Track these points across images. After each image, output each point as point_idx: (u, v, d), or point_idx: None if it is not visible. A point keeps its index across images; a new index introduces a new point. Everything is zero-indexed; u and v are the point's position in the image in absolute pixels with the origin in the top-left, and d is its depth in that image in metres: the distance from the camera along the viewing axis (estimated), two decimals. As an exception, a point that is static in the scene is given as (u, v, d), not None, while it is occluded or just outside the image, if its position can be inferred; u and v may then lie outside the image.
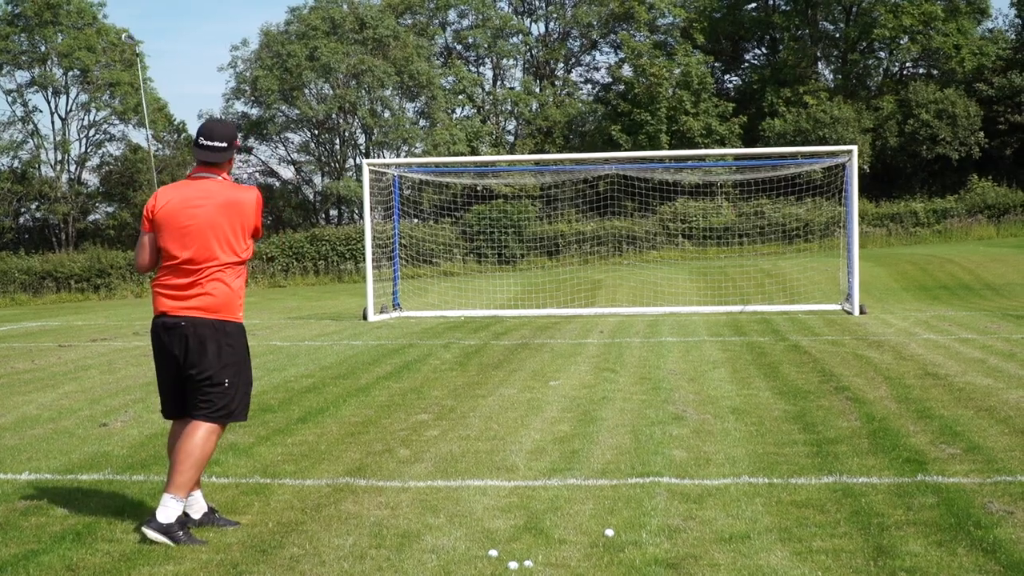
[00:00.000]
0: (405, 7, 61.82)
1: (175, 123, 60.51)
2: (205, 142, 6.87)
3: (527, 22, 65.27)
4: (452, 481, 7.86)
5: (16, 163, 56.78)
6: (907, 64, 61.19)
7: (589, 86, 66.74)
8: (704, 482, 7.64)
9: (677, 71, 55.64)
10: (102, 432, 10.24)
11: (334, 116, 58.16)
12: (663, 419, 10.06)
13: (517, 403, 11.21)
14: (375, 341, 18.48)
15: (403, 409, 11.05)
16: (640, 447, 8.85)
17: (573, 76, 66.78)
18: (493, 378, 13.26)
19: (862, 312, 21.69)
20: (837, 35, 61.39)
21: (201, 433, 6.73)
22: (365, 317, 23.43)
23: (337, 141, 59.93)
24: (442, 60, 63.08)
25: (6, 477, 8.39)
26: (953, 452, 8.42)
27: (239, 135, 6.83)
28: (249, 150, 61.67)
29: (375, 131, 57.38)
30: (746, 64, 65.64)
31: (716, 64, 60.93)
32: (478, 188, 37.00)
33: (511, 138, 63.23)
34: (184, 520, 6.66)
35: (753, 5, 63.45)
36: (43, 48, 55.99)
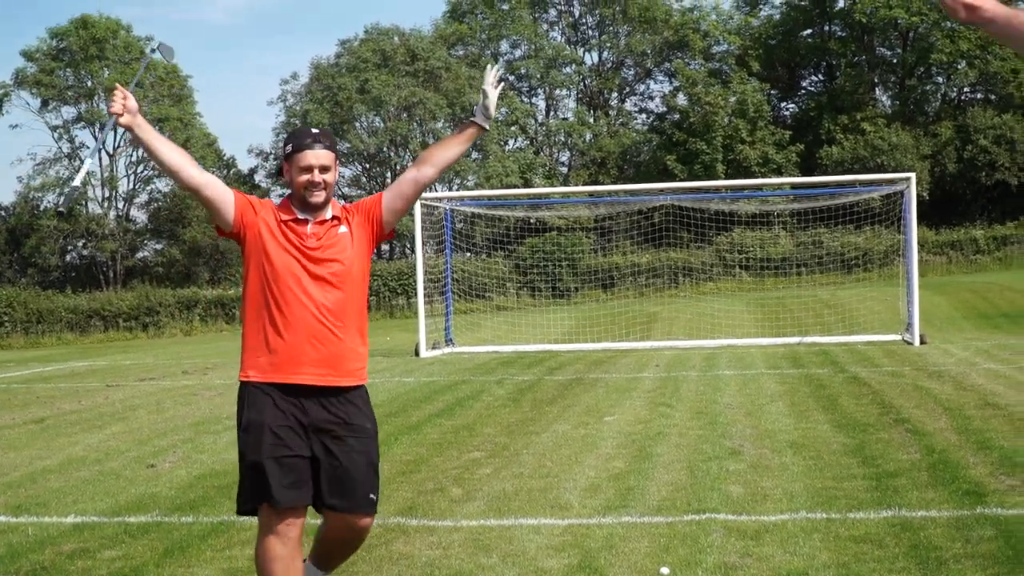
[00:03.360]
0: (457, 38, 62.04)
1: (224, 158, 60.55)
2: None
3: (580, 51, 65.30)
4: (505, 520, 7.77)
5: (62, 200, 56.71)
6: (965, 89, 60.69)
7: (643, 115, 66.64)
8: (761, 518, 7.51)
9: (732, 99, 55.37)
10: (150, 473, 10.20)
11: (385, 149, 58.35)
12: (720, 454, 9.91)
13: (571, 440, 11.08)
14: (427, 378, 18.41)
15: (455, 447, 10.96)
16: (696, 483, 8.71)
17: (627, 106, 66.69)
18: (547, 414, 13.14)
19: (922, 342, 21.38)
20: (894, 61, 60.94)
21: None
22: (417, 353, 23.32)
23: (388, 174, 59.87)
24: (495, 92, 63.13)
25: (52, 520, 8.35)
26: (1013, 483, 8.29)
27: (284, 152, 5.81)
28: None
29: (427, 164, 57.43)
30: (802, 91, 65.32)
31: (772, 92, 60.63)
32: (531, 220, 36.88)
33: (564, 169, 63.07)
34: None
35: (809, 32, 63.20)
36: (89, 83, 56.04)
